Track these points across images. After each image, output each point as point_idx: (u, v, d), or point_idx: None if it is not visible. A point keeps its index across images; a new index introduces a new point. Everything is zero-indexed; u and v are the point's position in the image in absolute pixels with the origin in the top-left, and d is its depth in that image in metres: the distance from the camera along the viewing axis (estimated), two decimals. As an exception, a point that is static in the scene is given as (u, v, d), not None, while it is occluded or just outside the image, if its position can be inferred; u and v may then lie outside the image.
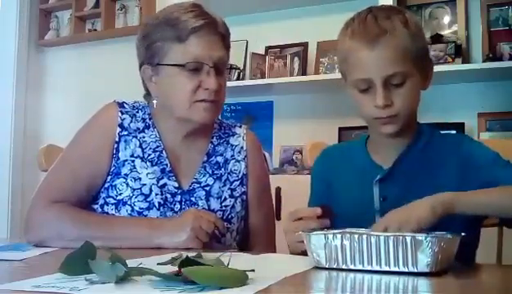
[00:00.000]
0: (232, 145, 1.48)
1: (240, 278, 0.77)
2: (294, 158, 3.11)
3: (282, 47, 3.18)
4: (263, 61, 3.16)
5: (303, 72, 3.06)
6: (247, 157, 1.47)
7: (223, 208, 1.40)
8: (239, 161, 1.46)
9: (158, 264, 0.86)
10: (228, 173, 1.44)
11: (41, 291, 0.74)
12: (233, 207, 1.42)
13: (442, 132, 1.36)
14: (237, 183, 1.44)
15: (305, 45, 3.11)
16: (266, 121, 3.28)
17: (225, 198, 1.41)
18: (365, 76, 1.16)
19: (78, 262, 0.83)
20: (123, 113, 1.40)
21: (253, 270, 0.80)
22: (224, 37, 1.39)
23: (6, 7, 3.89)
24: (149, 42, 1.37)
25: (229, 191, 1.43)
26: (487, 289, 0.87)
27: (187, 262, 0.80)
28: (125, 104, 1.43)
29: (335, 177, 1.33)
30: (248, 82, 3.15)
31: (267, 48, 3.22)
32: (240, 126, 1.53)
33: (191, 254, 0.89)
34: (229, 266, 0.82)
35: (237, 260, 0.85)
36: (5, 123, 3.81)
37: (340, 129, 3.02)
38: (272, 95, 3.26)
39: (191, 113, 1.34)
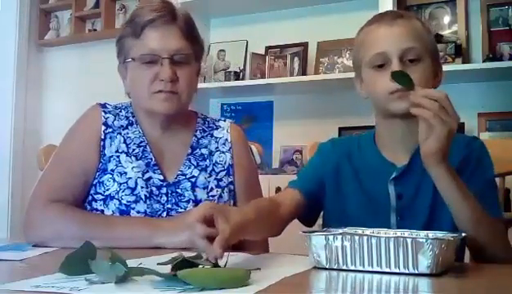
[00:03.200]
0: (216, 138, 1.49)
1: (239, 279, 0.77)
2: (294, 158, 3.11)
3: (282, 47, 3.18)
4: (263, 61, 3.16)
5: (303, 72, 3.06)
6: (232, 148, 1.49)
7: (210, 198, 1.41)
8: (224, 152, 1.48)
9: (158, 264, 0.86)
10: (213, 164, 1.45)
11: (41, 291, 0.74)
12: (220, 196, 1.43)
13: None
14: (223, 173, 1.45)
15: (305, 45, 3.11)
16: (266, 121, 3.28)
17: (211, 189, 1.42)
18: (381, 49, 1.19)
19: (78, 262, 0.83)
20: (106, 113, 1.45)
21: (259, 269, 0.80)
22: (183, 29, 1.40)
23: (6, 7, 3.89)
24: (117, 41, 1.46)
25: (215, 181, 1.43)
26: (487, 289, 0.87)
27: (184, 264, 0.80)
28: (107, 105, 1.48)
29: (344, 169, 1.30)
30: (248, 82, 3.15)
31: (267, 48, 3.22)
32: (225, 120, 1.55)
33: (191, 254, 0.89)
34: (229, 266, 0.82)
35: (237, 261, 0.85)
36: (5, 123, 3.81)
37: (340, 129, 3.02)
38: (272, 95, 3.26)
39: (152, 104, 1.38)
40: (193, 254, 0.90)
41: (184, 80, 1.38)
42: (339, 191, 1.31)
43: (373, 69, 1.21)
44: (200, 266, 0.82)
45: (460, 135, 1.38)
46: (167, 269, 0.82)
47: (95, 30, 3.85)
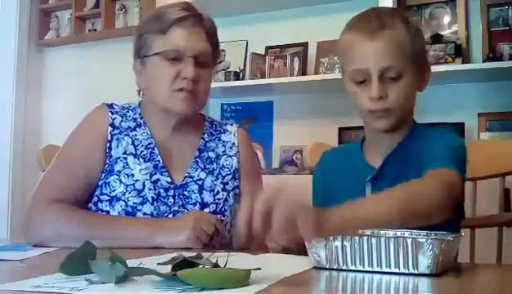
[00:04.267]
0: (224, 142, 1.50)
1: (239, 279, 0.77)
2: (294, 158, 3.11)
3: (282, 47, 3.18)
4: (263, 61, 3.15)
5: (303, 72, 3.06)
6: (239, 152, 1.50)
7: (216, 201, 1.42)
8: (231, 156, 1.49)
9: (158, 264, 0.86)
10: (220, 168, 1.46)
11: (41, 291, 0.74)
12: (226, 200, 1.44)
13: (432, 129, 1.35)
14: (229, 177, 1.46)
15: (305, 45, 3.11)
16: (266, 121, 3.28)
17: (218, 192, 1.43)
18: (362, 66, 1.18)
19: (78, 262, 0.83)
20: (113, 114, 1.44)
21: (259, 268, 0.80)
22: (208, 32, 1.42)
23: (6, 7, 3.89)
24: (137, 36, 1.43)
25: (221, 185, 1.44)
26: (487, 289, 0.87)
27: (184, 264, 0.80)
28: (114, 106, 1.47)
29: (332, 181, 1.35)
30: (248, 82, 3.15)
31: (267, 48, 3.22)
32: (232, 124, 1.56)
33: (191, 254, 0.89)
34: (230, 267, 0.82)
35: (237, 261, 0.85)
36: (5, 123, 3.81)
37: (340, 129, 3.02)
38: (272, 95, 3.26)
39: (171, 103, 1.38)
40: (193, 254, 0.90)
41: (204, 81, 1.40)
42: (325, 197, 1.33)
43: (354, 83, 1.21)
44: (200, 266, 0.82)
45: (429, 130, 1.36)
46: (167, 269, 0.82)
47: (95, 30, 3.84)
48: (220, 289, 0.74)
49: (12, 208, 3.72)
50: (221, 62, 1.62)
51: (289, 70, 3.07)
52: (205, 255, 0.90)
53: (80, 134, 1.44)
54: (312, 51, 3.10)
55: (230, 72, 3.20)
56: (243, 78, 3.20)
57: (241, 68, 3.23)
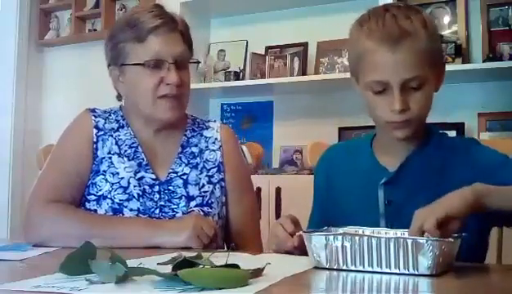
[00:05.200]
0: (206, 137, 1.51)
1: (239, 279, 0.77)
2: (294, 158, 3.11)
3: (282, 47, 3.18)
4: (263, 61, 3.16)
5: (303, 72, 3.06)
6: (222, 147, 1.50)
7: (202, 194, 1.43)
8: (214, 150, 1.49)
9: (158, 264, 0.86)
10: (204, 161, 1.47)
11: (41, 291, 0.74)
12: (212, 192, 1.44)
13: (451, 136, 1.32)
14: (214, 170, 1.47)
15: (305, 45, 3.11)
16: (266, 121, 3.28)
17: (203, 185, 1.44)
18: (382, 78, 1.12)
19: (78, 262, 0.83)
20: (96, 117, 1.46)
21: (268, 263, 0.79)
22: (183, 34, 1.44)
23: (6, 7, 3.89)
24: (113, 44, 1.43)
25: (206, 178, 1.45)
26: (488, 289, 0.87)
27: (184, 264, 0.80)
28: (96, 110, 1.49)
29: (338, 177, 1.31)
30: (248, 82, 3.15)
31: (267, 48, 3.22)
32: (215, 121, 1.57)
33: (191, 254, 0.89)
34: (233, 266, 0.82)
35: (236, 261, 0.85)
36: (5, 123, 3.81)
37: (340, 129, 3.02)
38: (272, 95, 3.26)
39: (156, 111, 1.39)
40: (193, 254, 0.90)
41: (186, 83, 1.42)
42: (329, 195, 1.31)
43: (372, 93, 1.15)
44: (200, 266, 0.82)
45: (454, 138, 1.35)
46: (167, 269, 0.82)
47: (95, 30, 3.85)
48: (220, 289, 0.74)
49: (12, 208, 3.72)
50: (198, 62, 1.61)
51: (289, 70, 3.07)
52: (205, 255, 0.90)
53: (68, 136, 1.46)
54: (312, 51, 3.10)
55: (230, 72, 3.20)
56: (243, 78, 3.20)
57: (241, 68, 3.24)
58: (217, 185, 1.46)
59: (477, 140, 1.26)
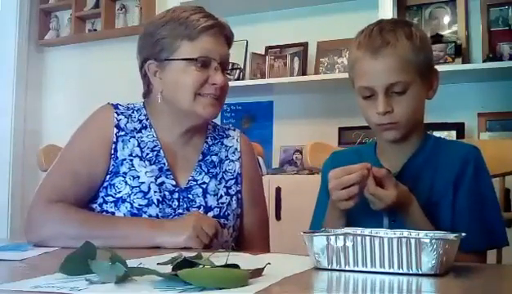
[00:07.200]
0: (227, 146, 1.52)
1: (239, 279, 0.77)
2: (294, 158, 3.12)
3: (282, 47, 3.18)
4: (263, 61, 3.16)
5: (303, 72, 3.06)
6: (241, 158, 1.51)
7: (220, 205, 1.43)
8: (233, 161, 1.50)
9: (158, 264, 0.86)
10: (223, 172, 1.48)
11: (41, 291, 0.74)
12: (229, 204, 1.45)
13: (452, 140, 1.38)
14: (232, 181, 1.48)
15: (305, 45, 3.11)
16: (266, 121, 3.28)
17: (221, 196, 1.44)
18: (368, 84, 1.22)
19: (78, 262, 0.83)
20: (118, 114, 1.44)
21: (269, 263, 0.79)
22: (228, 40, 1.46)
23: (6, 7, 3.89)
24: (157, 39, 1.41)
25: (225, 189, 1.46)
26: (488, 289, 0.87)
27: (184, 264, 0.80)
28: (119, 106, 1.46)
29: None
30: (248, 82, 3.15)
31: (267, 48, 3.22)
32: (234, 130, 1.58)
33: (191, 254, 0.89)
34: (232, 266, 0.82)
35: (236, 261, 0.84)
36: (5, 123, 3.81)
37: (340, 129, 3.02)
38: (272, 95, 3.27)
39: (195, 107, 1.38)
40: (193, 254, 0.90)
41: (226, 87, 1.42)
42: None
43: (362, 98, 1.25)
44: (200, 266, 0.82)
45: (454, 143, 1.41)
46: (167, 269, 0.82)
47: (95, 30, 3.85)
48: (220, 289, 0.74)
49: (12, 208, 3.72)
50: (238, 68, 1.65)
51: (289, 70, 3.07)
52: (205, 255, 0.90)
53: (85, 134, 1.43)
54: (312, 51, 3.10)
55: (231, 72, 3.19)
56: (243, 78, 3.20)
57: (241, 68, 3.24)
58: (234, 197, 1.47)
59: (478, 155, 1.28)
